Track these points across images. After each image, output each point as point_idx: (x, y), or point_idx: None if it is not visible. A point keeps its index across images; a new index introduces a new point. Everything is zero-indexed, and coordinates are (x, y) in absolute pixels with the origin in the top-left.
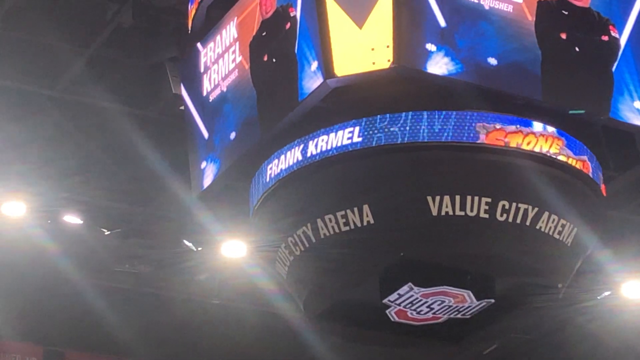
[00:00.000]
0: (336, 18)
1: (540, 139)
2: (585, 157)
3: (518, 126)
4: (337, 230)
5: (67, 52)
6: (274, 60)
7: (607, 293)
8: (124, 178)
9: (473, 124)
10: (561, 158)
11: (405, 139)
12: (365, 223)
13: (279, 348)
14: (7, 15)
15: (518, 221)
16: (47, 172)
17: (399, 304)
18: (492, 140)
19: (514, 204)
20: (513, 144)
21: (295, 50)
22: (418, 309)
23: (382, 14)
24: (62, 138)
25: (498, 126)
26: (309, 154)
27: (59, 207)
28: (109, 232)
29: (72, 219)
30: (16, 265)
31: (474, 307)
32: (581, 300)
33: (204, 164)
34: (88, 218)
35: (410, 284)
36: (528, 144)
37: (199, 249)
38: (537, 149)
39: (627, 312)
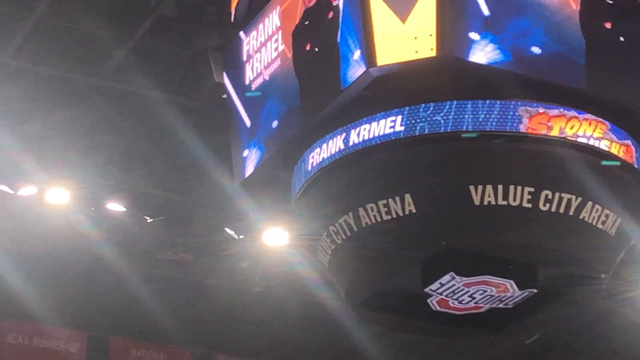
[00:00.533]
0: (379, 9)
1: (584, 123)
2: (629, 142)
3: (561, 110)
4: (379, 219)
5: (111, 40)
6: (317, 49)
7: None
8: (167, 166)
9: (516, 109)
10: (605, 143)
11: (449, 128)
12: (407, 212)
13: (320, 336)
14: (52, 4)
15: (561, 211)
16: (91, 160)
17: (441, 293)
18: (535, 125)
19: (557, 194)
20: (556, 129)
21: (338, 39)
22: (460, 298)
23: (426, 3)
24: (106, 126)
25: (541, 110)
26: (351, 143)
27: (102, 194)
28: (151, 220)
29: (115, 207)
30: (60, 252)
31: (516, 297)
32: (624, 290)
33: (246, 152)
34: (131, 206)
35: (452, 273)
36: (571, 128)
37: (241, 237)
38: (580, 133)
39: None
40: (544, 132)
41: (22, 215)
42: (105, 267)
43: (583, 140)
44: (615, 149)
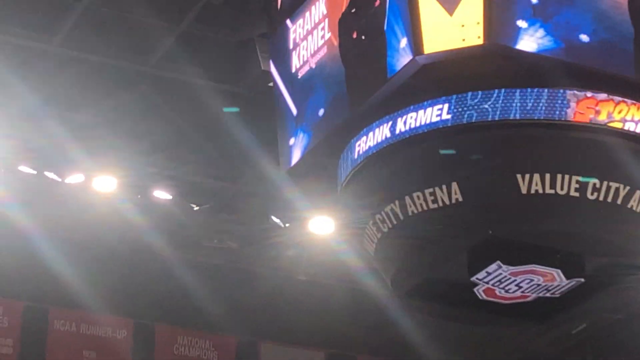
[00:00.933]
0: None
1: (632, 107)
2: None
3: (609, 95)
4: (425, 208)
5: (158, 28)
6: (363, 37)
7: None
8: (213, 154)
9: (565, 95)
10: None
11: (497, 116)
12: (453, 201)
13: (366, 324)
14: None
15: (609, 200)
16: (138, 148)
17: (487, 282)
18: (583, 109)
19: (604, 183)
20: (604, 113)
21: (385, 27)
22: (506, 288)
23: None
24: (153, 113)
25: (589, 94)
26: (397, 131)
27: (149, 182)
28: (198, 208)
29: (162, 194)
30: (107, 239)
31: (563, 286)
32: None
33: (292, 141)
34: (177, 193)
35: (498, 262)
36: (619, 112)
37: (287, 225)
38: (628, 117)
39: None
40: (592, 116)
41: (70, 203)
42: (152, 254)
43: (631, 125)
44: None
